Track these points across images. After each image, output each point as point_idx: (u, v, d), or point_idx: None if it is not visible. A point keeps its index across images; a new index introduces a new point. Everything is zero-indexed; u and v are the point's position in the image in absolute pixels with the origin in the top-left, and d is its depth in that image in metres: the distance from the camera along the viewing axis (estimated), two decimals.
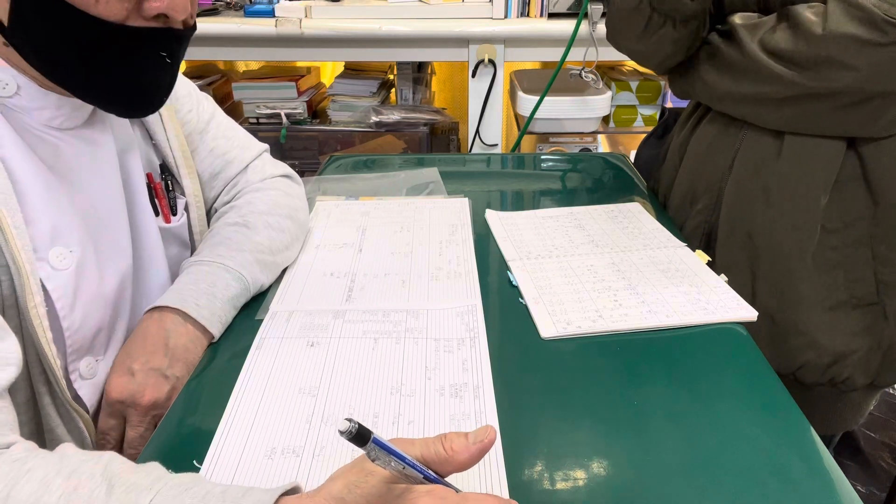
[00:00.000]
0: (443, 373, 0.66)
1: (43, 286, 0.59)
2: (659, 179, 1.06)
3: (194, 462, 0.56)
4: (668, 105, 1.80)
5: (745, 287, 0.87)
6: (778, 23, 0.78)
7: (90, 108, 0.66)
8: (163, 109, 0.76)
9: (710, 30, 0.87)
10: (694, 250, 0.87)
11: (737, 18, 0.82)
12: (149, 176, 0.75)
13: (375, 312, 0.76)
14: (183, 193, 0.78)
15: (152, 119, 0.76)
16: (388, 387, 0.64)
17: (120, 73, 0.60)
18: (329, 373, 0.66)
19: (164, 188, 0.76)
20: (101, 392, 0.66)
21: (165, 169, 0.77)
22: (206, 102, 0.85)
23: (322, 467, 0.55)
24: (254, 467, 0.55)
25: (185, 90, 0.82)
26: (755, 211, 0.85)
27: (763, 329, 0.83)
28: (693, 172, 0.92)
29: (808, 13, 0.75)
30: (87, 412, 0.65)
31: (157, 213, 0.75)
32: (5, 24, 0.56)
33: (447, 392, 0.63)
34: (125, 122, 0.72)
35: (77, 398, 0.64)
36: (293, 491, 0.45)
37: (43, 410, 0.60)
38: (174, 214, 0.77)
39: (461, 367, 0.67)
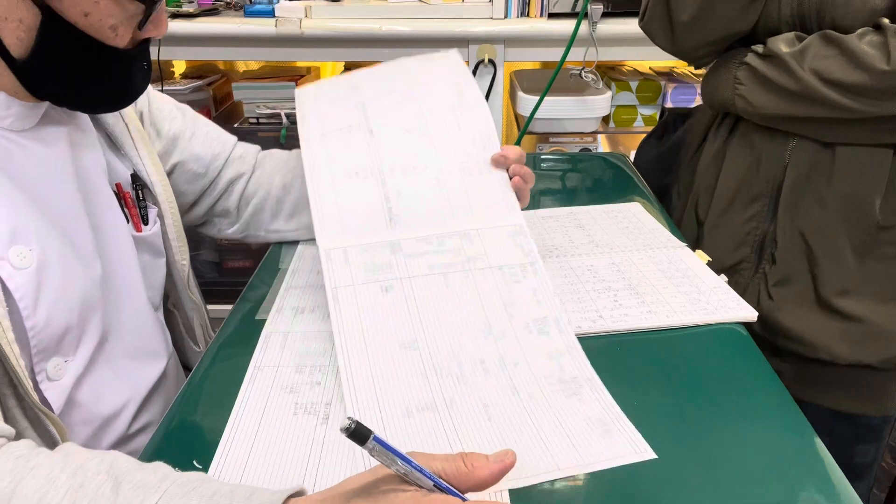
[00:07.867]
0: (520, 308, 0.68)
1: (4, 286, 0.58)
2: (689, 185, 1.05)
3: (194, 462, 0.56)
4: (668, 105, 1.80)
5: (807, 288, 0.90)
6: (825, 49, 0.80)
7: (42, 110, 0.65)
8: (129, 122, 0.77)
9: (747, 52, 0.88)
10: (713, 258, 0.88)
11: (781, 45, 0.83)
12: (118, 186, 0.75)
13: (430, 240, 0.75)
14: (155, 203, 0.79)
15: (119, 131, 0.76)
16: (477, 329, 0.67)
17: (115, 86, 0.67)
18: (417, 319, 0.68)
19: (133, 198, 0.77)
20: (68, 394, 0.64)
21: (137, 178, 0.77)
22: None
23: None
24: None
25: (164, 98, 0.87)
26: (812, 215, 0.88)
27: (833, 325, 0.89)
28: (740, 181, 0.93)
29: (863, 45, 0.77)
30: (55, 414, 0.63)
31: (127, 221, 0.75)
32: (19, 56, 0.59)
33: (533, 329, 0.65)
34: (81, 123, 0.72)
35: (44, 400, 0.62)
36: (299, 493, 0.45)
37: (9, 413, 0.58)
38: (145, 224, 0.77)
39: (533, 298, 0.70)
